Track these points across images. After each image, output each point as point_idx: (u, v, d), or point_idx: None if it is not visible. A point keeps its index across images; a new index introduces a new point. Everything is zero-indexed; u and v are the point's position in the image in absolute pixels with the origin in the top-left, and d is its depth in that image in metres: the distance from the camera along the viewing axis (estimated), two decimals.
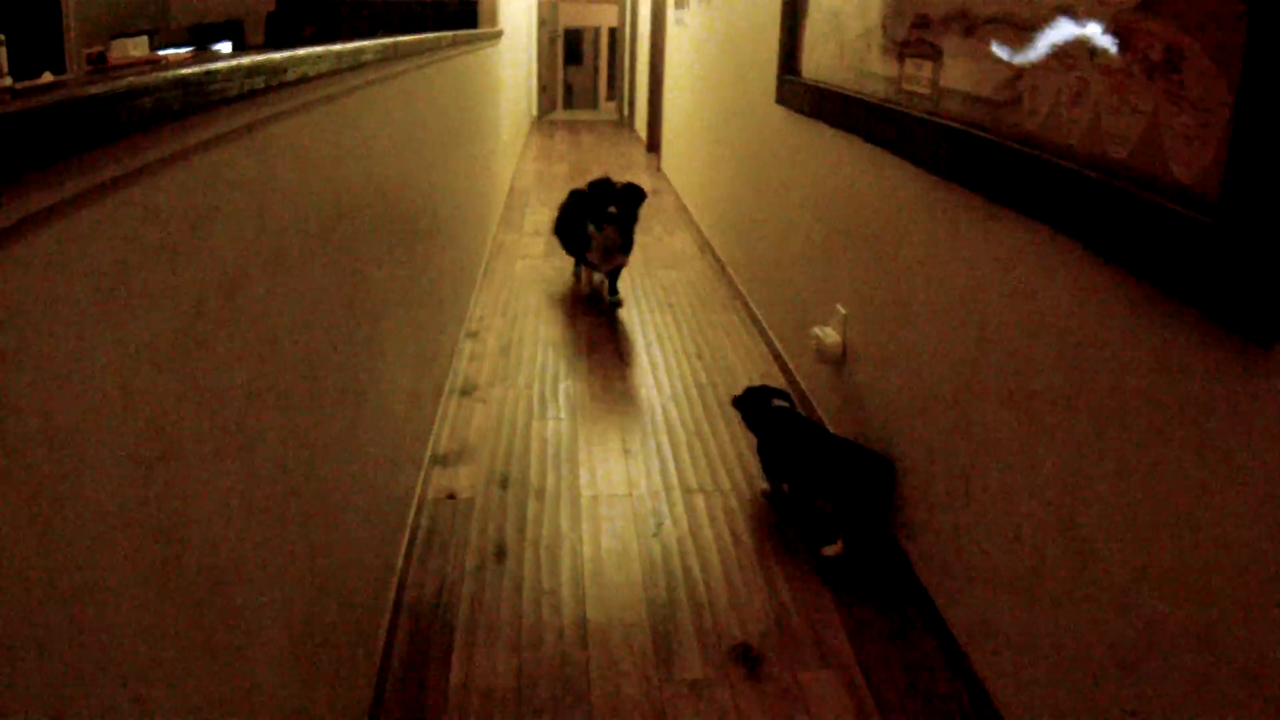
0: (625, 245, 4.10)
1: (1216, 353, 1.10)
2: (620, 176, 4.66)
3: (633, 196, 4.07)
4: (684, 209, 6.05)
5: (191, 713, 0.92)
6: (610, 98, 14.40)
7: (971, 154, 1.73)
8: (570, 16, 14.25)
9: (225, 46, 5.85)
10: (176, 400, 0.90)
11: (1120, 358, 1.30)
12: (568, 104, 14.55)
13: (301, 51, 1.27)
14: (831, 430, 2.63)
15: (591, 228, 4.07)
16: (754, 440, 2.57)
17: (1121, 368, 1.30)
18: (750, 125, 3.97)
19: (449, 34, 3.05)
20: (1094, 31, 1.35)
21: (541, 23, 11.81)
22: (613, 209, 3.94)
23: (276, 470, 1.23)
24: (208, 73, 0.93)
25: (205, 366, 0.98)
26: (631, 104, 11.21)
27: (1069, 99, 1.43)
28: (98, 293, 0.75)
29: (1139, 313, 1.25)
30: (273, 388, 1.21)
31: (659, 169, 7.80)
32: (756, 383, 2.76)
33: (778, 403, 2.48)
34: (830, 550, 2.22)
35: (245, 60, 1.05)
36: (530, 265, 4.78)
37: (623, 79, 12.25)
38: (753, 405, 2.53)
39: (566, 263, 4.76)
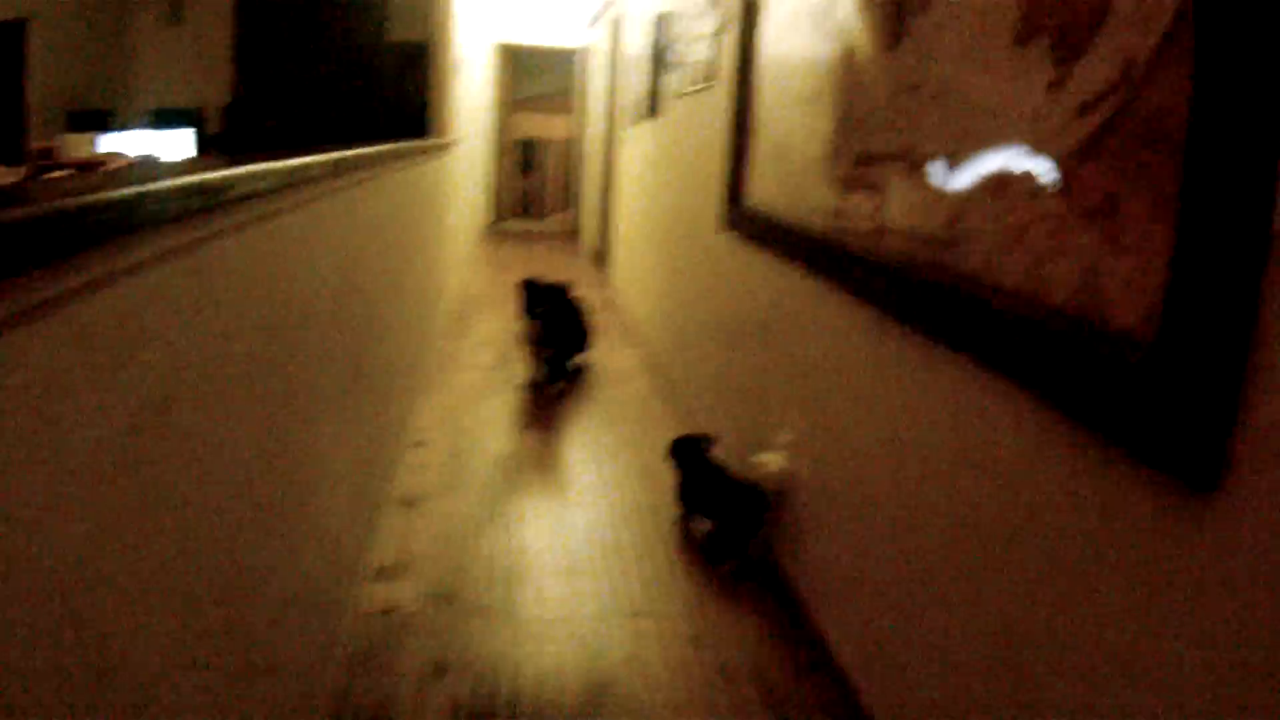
0: (553, 339, 4.64)
1: (1156, 497, 1.14)
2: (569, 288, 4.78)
3: (556, 294, 4.71)
4: (631, 325, 6.12)
5: None
6: (564, 208, 14.62)
7: (911, 291, 1.79)
8: (526, 127, 14.53)
9: (187, 134, 5.93)
10: (108, 523, 0.90)
11: (1061, 498, 1.34)
12: (523, 212, 14.74)
13: (242, 170, 1.30)
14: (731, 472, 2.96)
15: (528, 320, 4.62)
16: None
17: (1062, 508, 1.34)
18: (696, 247, 4.06)
19: (396, 146, 3.10)
20: (1033, 175, 1.43)
21: (499, 130, 12.05)
22: (538, 309, 4.57)
23: (210, 590, 1.22)
24: (142, 194, 0.95)
25: (138, 485, 0.97)
26: (582, 218, 11.40)
27: (1009, 241, 1.50)
28: (27, 414, 0.75)
29: (1078, 454, 1.30)
30: (207, 505, 1.21)
31: (608, 283, 7.90)
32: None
33: (706, 448, 3.05)
34: (723, 569, 2.78)
35: (185, 180, 1.07)
36: (479, 375, 4.79)
37: (575, 189, 12.48)
38: (684, 451, 3.06)
39: (512, 372, 4.79)
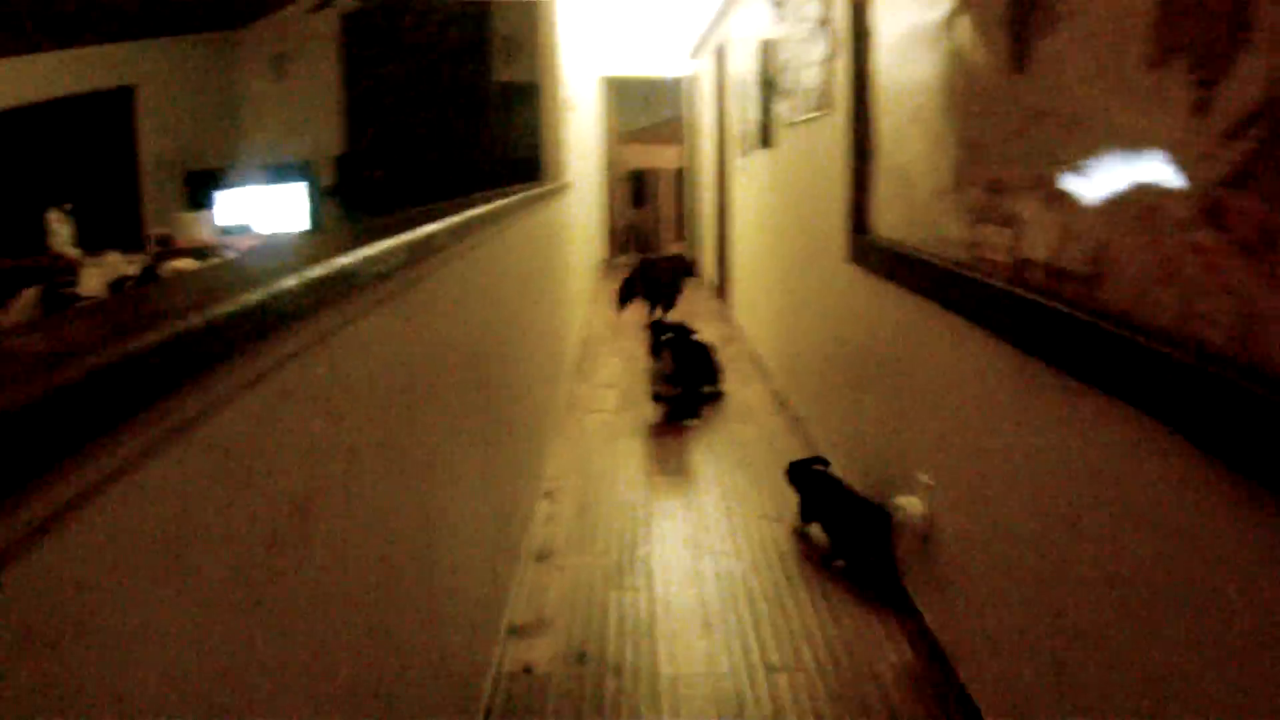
0: (682, 375, 4.85)
1: None
2: (691, 321, 4.78)
3: (681, 333, 4.97)
4: (757, 358, 6.03)
5: None
6: (678, 239, 14.64)
7: (1053, 330, 1.68)
8: (636, 159, 14.62)
9: (300, 187, 6.10)
10: (247, 645, 0.88)
11: (1221, 554, 1.22)
12: (637, 246, 14.80)
13: (367, 253, 1.28)
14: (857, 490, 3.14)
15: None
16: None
17: (1223, 565, 1.22)
18: (821, 280, 3.97)
19: (512, 200, 3.11)
20: (1181, 206, 1.32)
21: (610, 164, 12.12)
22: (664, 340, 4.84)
23: (352, 675, 1.19)
24: (274, 295, 0.92)
25: (278, 596, 0.96)
26: (699, 248, 11.37)
27: (1157, 277, 1.39)
28: (161, 551, 0.73)
29: (1241, 509, 1.18)
30: (346, 595, 1.19)
31: (729, 316, 7.83)
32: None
33: (818, 467, 3.27)
34: (838, 564, 3.00)
35: (311, 274, 1.05)
36: (603, 420, 4.78)
37: (689, 222, 12.46)
38: (799, 472, 3.30)
39: (637, 415, 4.76)
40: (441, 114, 6.51)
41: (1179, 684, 1.33)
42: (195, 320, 0.78)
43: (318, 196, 6.29)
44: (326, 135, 6.48)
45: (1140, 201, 1.43)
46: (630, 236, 13.49)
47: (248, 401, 0.90)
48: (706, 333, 5.46)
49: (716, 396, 5.12)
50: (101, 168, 5.73)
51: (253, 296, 0.88)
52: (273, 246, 1.37)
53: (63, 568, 0.61)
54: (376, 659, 1.33)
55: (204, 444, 0.81)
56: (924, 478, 2.49)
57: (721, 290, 8.68)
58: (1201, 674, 1.28)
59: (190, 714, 0.76)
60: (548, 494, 3.70)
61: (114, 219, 5.51)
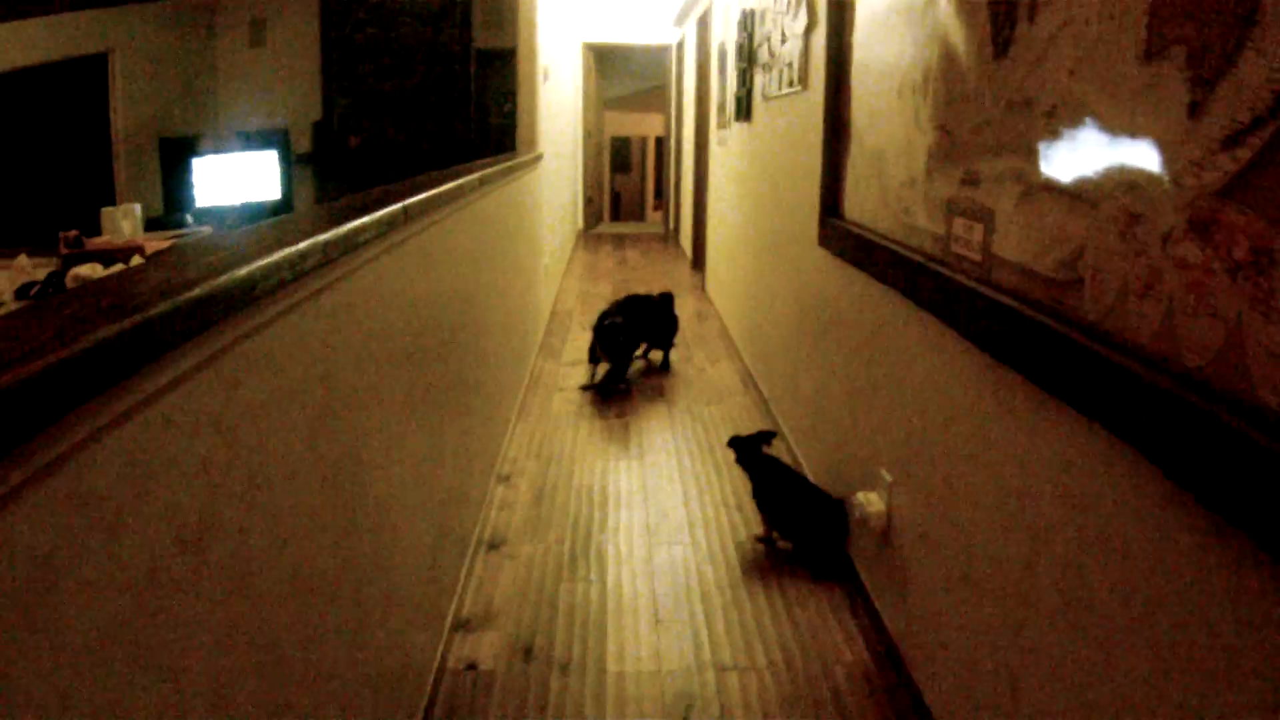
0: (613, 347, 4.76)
1: None
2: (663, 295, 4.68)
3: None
4: (728, 335, 5.94)
5: None
6: (657, 207, 14.52)
7: (1024, 337, 1.58)
8: (617, 125, 14.46)
9: (271, 155, 5.96)
10: (125, 698, 0.78)
11: (1189, 591, 1.13)
12: (615, 215, 14.67)
13: (284, 254, 1.17)
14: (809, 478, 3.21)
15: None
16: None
17: (1189, 601, 1.13)
18: (792, 261, 3.86)
19: (475, 176, 2.98)
20: (1168, 216, 1.21)
21: (587, 134, 11.93)
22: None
23: (258, 687, 1.10)
24: (145, 322, 0.82)
25: (163, 639, 0.86)
26: (677, 217, 11.24)
27: (1137, 290, 1.29)
28: (17, 607, 0.64)
29: (1212, 547, 1.09)
30: (253, 621, 1.09)
31: (703, 289, 7.73)
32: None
33: (767, 449, 3.13)
34: (782, 544, 2.97)
35: (210, 285, 0.94)
36: (567, 399, 4.68)
37: (668, 190, 12.32)
38: (746, 452, 3.13)
39: (603, 396, 4.67)
40: (421, 81, 6.37)
41: (1133, 716, 1.25)
42: (51, 357, 0.67)
43: (289, 164, 6.16)
44: (304, 102, 6.35)
45: (1123, 206, 1.33)
46: (612, 202, 13.34)
47: (119, 436, 0.80)
48: (681, 308, 5.35)
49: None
50: (74, 137, 5.56)
51: (114, 327, 0.77)
52: (181, 250, 1.25)
53: None
54: (293, 682, 1.24)
55: (65, 488, 0.71)
56: (885, 475, 2.40)
57: (697, 261, 8.57)
58: (1157, 709, 1.20)
59: None
60: (504, 478, 3.60)
61: (87, 188, 5.36)
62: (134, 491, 0.81)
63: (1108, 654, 1.33)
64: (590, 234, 12.18)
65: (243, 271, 1.04)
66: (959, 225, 1.96)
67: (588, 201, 12.25)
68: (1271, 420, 1.00)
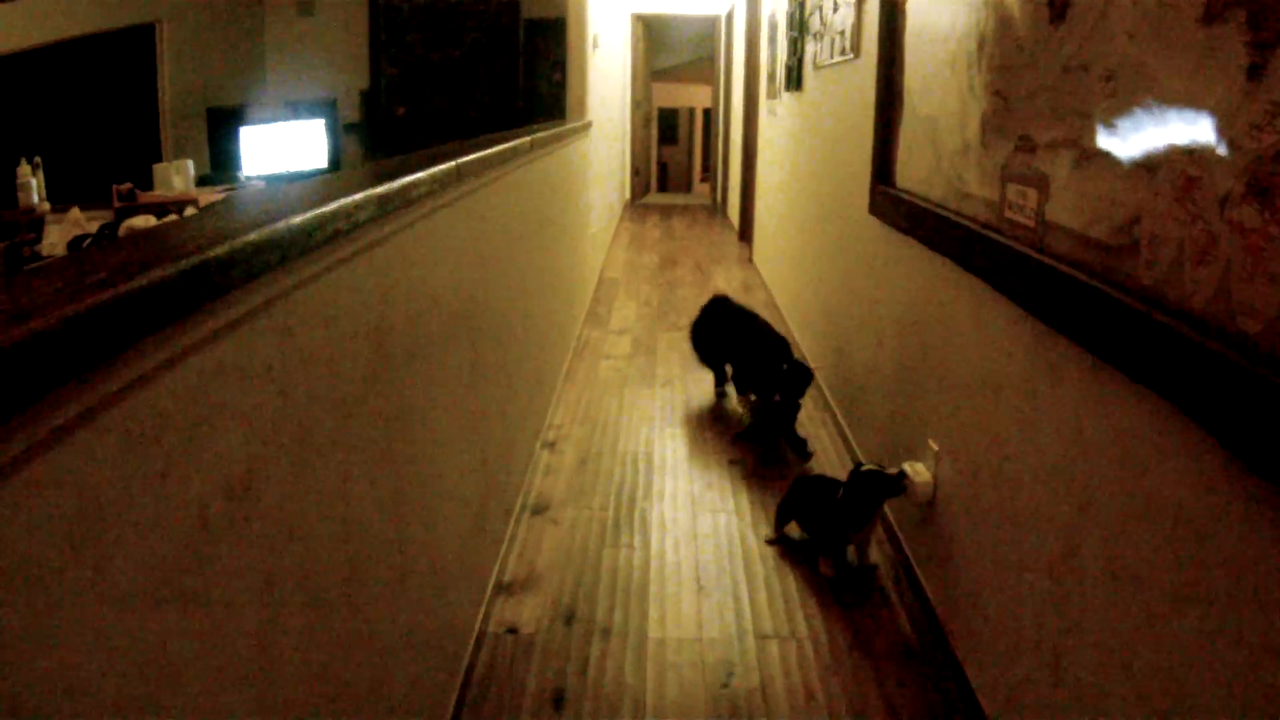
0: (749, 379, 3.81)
1: None
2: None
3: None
4: (774, 306, 5.90)
5: None
6: (704, 179, 14.44)
7: (1078, 303, 1.55)
8: (665, 97, 14.37)
9: (319, 124, 6.00)
10: (172, 642, 0.80)
11: (1241, 562, 1.11)
12: (661, 186, 14.61)
13: (333, 206, 1.18)
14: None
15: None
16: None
17: (1242, 573, 1.11)
18: (842, 231, 3.83)
19: (528, 139, 2.98)
20: (1226, 180, 1.18)
21: (635, 104, 11.87)
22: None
23: (303, 660, 1.11)
24: (199, 264, 0.83)
25: (211, 586, 0.87)
26: (724, 189, 11.18)
27: (1194, 255, 1.26)
28: (65, 545, 0.65)
29: (1265, 516, 1.06)
30: (299, 575, 1.11)
31: (750, 260, 7.69)
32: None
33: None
34: (825, 570, 2.65)
35: (254, 236, 0.94)
36: (614, 367, 4.68)
37: (716, 162, 12.25)
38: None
39: (651, 367, 4.66)
40: (469, 51, 6.37)
41: (1179, 689, 1.23)
42: (104, 295, 0.68)
43: (336, 134, 6.19)
44: (352, 71, 6.38)
45: (1180, 170, 1.29)
46: (659, 173, 13.28)
47: (172, 380, 0.81)
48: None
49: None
50: (122, 107, 5.63)
51: (170, 269, 0.78)
52: (234, 201, 1.27)
53: None
54: (336, 637, 1.25)
55: (119, 427, 0.72)
56: (933, 445, 2.38)
57: (745, 233, 8.52)
58: (1204, 682, 1.18)
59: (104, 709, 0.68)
60: (549, 444, 3.61)
61: (135, 156, 5.42)
62: (184, 436, 0.82)
63: (1154, 626, 1.31)
64: (637, 205, 12.15)
65: (298, 220, 1.04)
66: (1013, 191, 1.93)
67: (634, 173, 12.21)
68: None
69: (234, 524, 0.93)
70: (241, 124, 5.84)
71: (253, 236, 0.93)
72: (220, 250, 0.86)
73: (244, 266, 0.90)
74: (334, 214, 1.16)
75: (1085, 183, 1.59)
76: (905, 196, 2.74)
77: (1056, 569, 1.64)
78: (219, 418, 0.89)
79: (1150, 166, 1.37)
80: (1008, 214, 1.95)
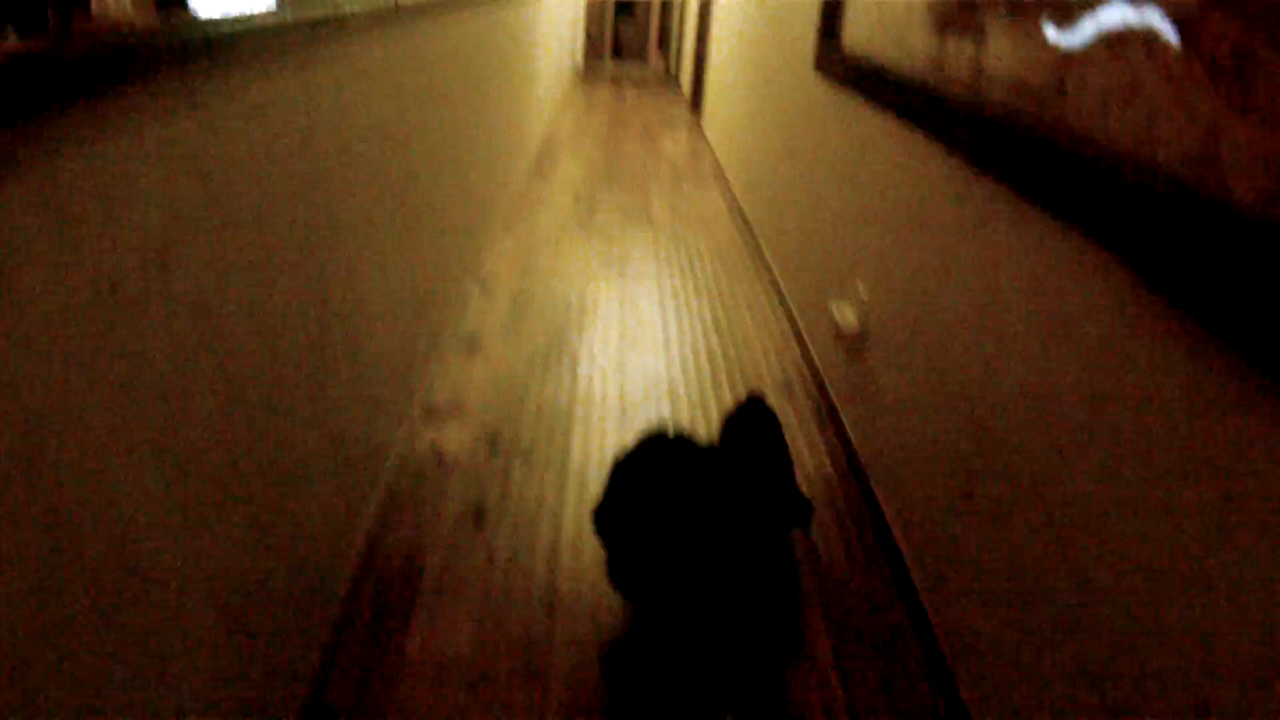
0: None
1: (1260, 406, 0.98)
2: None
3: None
4: (720, 170, 5.90)
5: (99, 674, 0.85)
6: (661, 51, 14.17)
7: (1004, 142, 1.60)
8: None
9: None
10: (75, 398, 0.82)
11: (1147, 388, 1.18)
12: (617, 56, 14.30)
13: (280, 17, 1.17)
14: None
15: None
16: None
17: (1147, 398, 1.18)
18: (788, 89, 3.82)
19: None
20: (1152, 22, 1.22)
21: None
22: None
23: (211, 438, 1.14)
24: (155, 38, 0.83)
25: (120, 350, 0.89)
26: (679, 58, 11.00)
27: (1120, 95, 1.30)
28: None
29: (1173, 343, 1.13)
30: (214, 358, 1.13)
31: (699, 126, 7.63)
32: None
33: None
34: None
35: (229, 26, 0.94)
36: (555, 216, 4.67)
37: (671, 33, 12.01)
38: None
39: (590, 219, 4.66)
40: None
41: (1087, 510, 1.32)
42: (16, 47, 0.68)
43: None
44: None
45: (1108, 18, 1.32)
46: (613, 42, 13.00)
47: (92, 154, 0.82)
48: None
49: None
50: None
51: (87, 40, 0.78)
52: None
53: None
54: (250, 425, 1.28)
55: (26, 190, 0.73)
56: (861, 288, 2.44)
57: (696, 103, 8.43)
58: (1111, 505, 1.26)
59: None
60: (484, 286, 3.62)
61: None
62: (101, 209, 0.84)
63: (1064, 450, 1.38)
64: (591, 72, 11.92)
65: (225, 26, 1.05)
66: (952, 44, 1.95)
67: (590, 41, 11.93)
68: (1244, 217, 1.02)
69: (148, 295, 0.94)
70: None
71: (181, 31, 0.93)
72: (140, 37, 0.86)
73: (167, 55, 0.91)
74: (265, 24, 1.16)
75: (1020, 34, 1.62)
76: (851, 53, 2.74)
77: (975, 400, 1.72)
78: (138, 198, 0.91)
79: (1082, 15, 1.40)
80: (946, 67, 1.97)
